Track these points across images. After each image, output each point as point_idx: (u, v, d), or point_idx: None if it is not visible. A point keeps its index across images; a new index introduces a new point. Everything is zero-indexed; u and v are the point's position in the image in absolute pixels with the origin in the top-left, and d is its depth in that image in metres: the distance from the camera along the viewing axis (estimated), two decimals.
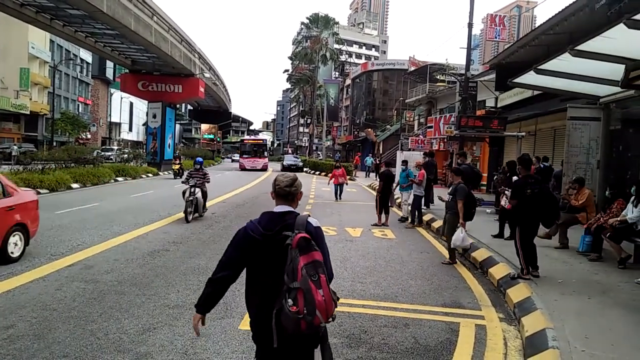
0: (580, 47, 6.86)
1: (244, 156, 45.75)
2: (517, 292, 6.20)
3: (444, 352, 4.62)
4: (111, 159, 33.36)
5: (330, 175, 18.80)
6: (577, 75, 8.48)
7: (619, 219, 7.77)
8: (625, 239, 7.68)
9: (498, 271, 7.35)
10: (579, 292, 6.21)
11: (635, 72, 6.49)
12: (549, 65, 8.28)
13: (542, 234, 9.31)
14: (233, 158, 70.66)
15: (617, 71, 6.84)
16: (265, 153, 47.30)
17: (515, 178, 10.15)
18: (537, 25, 15.21)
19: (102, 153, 36.30)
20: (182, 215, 12.16)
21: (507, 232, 10.03)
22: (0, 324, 4.88)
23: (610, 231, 7.76)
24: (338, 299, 2.70)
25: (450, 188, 8.69)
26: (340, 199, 18.44)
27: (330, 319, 2.57)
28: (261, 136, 59.94)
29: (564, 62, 7.66)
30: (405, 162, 13.84)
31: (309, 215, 2.79)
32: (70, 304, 5.57)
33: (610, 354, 4.30)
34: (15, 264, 7.16)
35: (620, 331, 4.90)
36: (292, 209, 2.83)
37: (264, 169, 44.57)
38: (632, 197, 7.67)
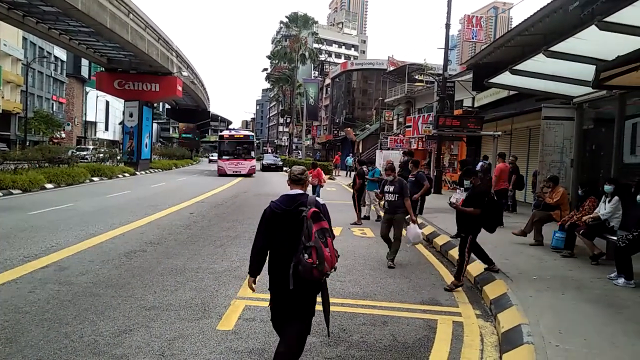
0: (553, 48, 6.98)
1: (224, 157, 34.39)
2: (493, 289, 6.30)
3: (422, 349, 4.67)
4: (86, 159, 32.76)
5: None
6: (551, 76, 8.63)
7: (591, 216, 7.95)
8: (598, 236, 7.86)
9: (474, 269, 7.45)
10: (554, 288, 6.33)
11: (605, 72, 6.61)
12: (523, 66, 8.41)
13: (518, 231, 9.49)
14: (210, 158, 61.61)
15: (589, 72, 6.96)
16: (252, 153, 35.72)
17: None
18: (513, 26, 15.46)
19: (77, 152, 35.63)
20: (159, 215, 11.34)
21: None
22: None
23: (583, 228, 7.94)
24: (339, 255, 3.63)
25: (392, 187, 8.10)
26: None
27: (333, 270, 3.51)
28: (245, 132, 44.56)
29: (538, 62, 7.78)
30: (372, 163, 14.53)
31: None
32: (43, 307, 5.45)
33: (582, 348, 4.40)
34: None
35: (593, 326, 5.01)
36: (303, 192, 3.72)
37: (250, 174, 33.82)
38: (604, 195, 7.85)
